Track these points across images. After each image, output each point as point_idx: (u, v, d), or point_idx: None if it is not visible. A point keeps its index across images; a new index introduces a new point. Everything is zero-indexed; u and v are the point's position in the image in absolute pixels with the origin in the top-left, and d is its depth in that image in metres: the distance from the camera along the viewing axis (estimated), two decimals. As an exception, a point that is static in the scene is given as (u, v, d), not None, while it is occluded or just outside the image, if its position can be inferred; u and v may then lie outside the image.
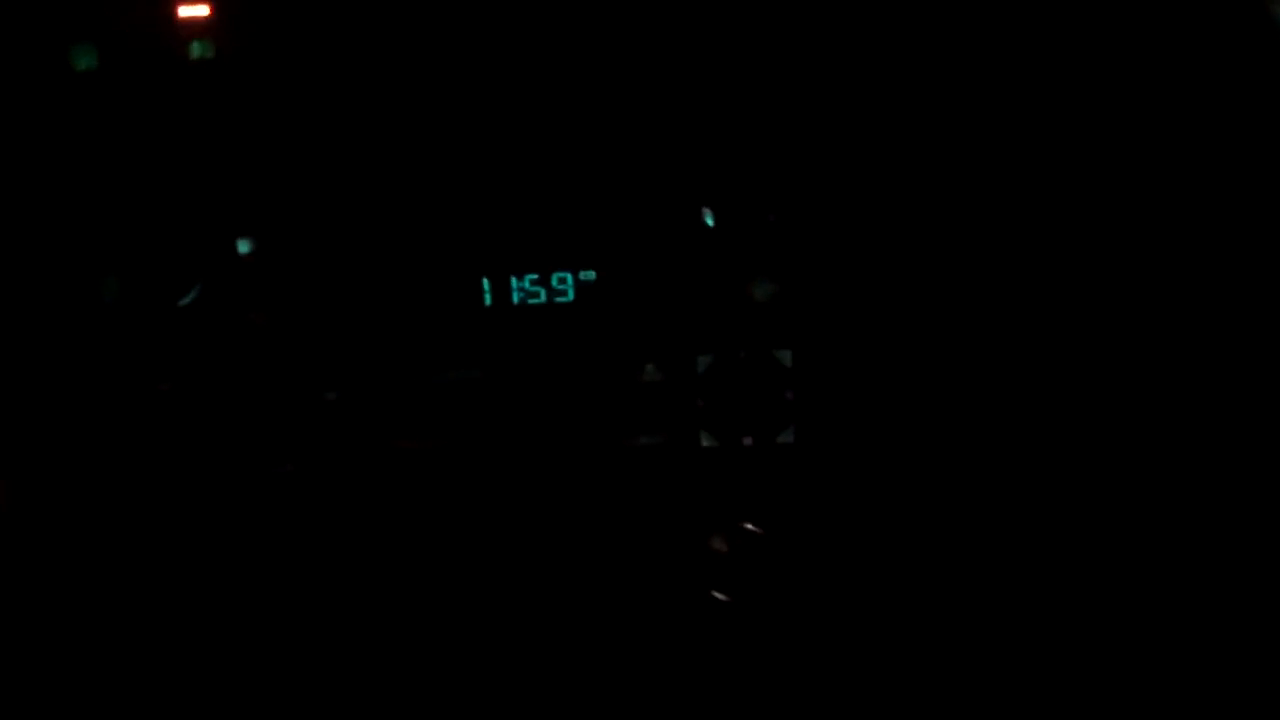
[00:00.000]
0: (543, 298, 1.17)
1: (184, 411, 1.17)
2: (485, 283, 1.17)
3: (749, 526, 1.17)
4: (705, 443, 1.17)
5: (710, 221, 1.15)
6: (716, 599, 1.17)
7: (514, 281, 1.16)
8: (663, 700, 1.17)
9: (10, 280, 1.16)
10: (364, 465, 1.18)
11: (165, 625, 1.18)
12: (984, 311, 1.15)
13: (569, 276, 1.16)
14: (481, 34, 1.13)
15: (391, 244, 1.17)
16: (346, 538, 1.19)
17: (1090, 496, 1.14)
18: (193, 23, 1.13)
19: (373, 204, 1.16)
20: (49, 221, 1.16)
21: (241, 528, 1.18)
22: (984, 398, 1.16)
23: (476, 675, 1.17)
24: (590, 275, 1.16)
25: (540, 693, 1.17)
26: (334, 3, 1.13)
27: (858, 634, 1.17)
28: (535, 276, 1.16)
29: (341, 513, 1.18)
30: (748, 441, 1.17)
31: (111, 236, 1.16)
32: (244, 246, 1.16)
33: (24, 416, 1.18)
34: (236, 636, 1.18)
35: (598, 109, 1.14)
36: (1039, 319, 1.14)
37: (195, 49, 1.13)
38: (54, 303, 1.16)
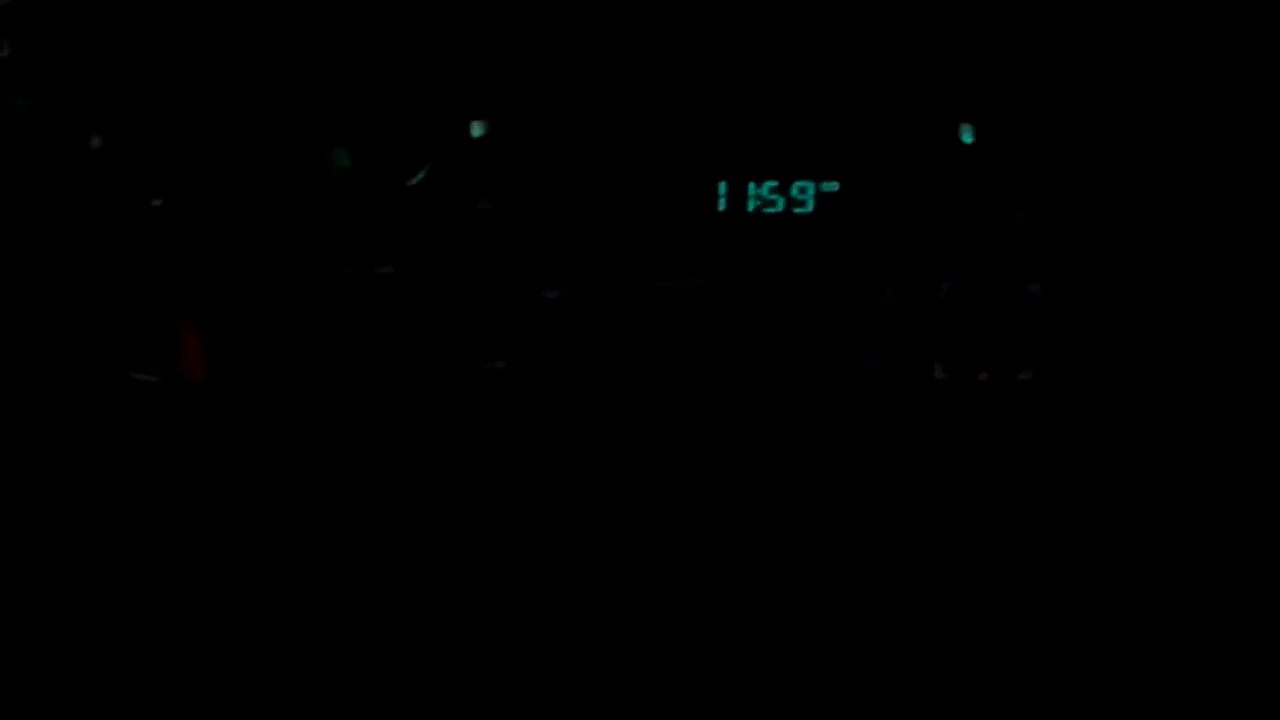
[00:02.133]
0: (780, 206, 1.11)
1: (403, 295, 1.14)
2: (721, 186, 1.11)
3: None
4: (938, 374, 1.11)
5: (968, 139, 1.09)
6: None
7: (751, 187, 1.11)
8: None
9: (238, 151, 1.14)
10: (578, 368, 1.13)
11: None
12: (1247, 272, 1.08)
13: (810, 186, 1.10)
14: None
15: (627, 140, 1.12)
16: (551, 445, 1.14)
17: None
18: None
19: (611, 96, 1.12)
20: (283, 89, 1.14)
21: (447, 423, 1.15)
22: (1227, 359, 1.08)
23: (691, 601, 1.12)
24: (833, 186, 1.10)
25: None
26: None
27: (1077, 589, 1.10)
28: (775, 184, 1.11)
29: (552, 415, 1.14)
30: (983, 376, 1.10)
31: (345, 110, 1.13)
32: (478, 130, 1.13)
33: (238, 287, 1.16)
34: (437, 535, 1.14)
35: (853, 9, 1.09)
36: None
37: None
38: (282, 174, 1.14)
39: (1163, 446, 1.10)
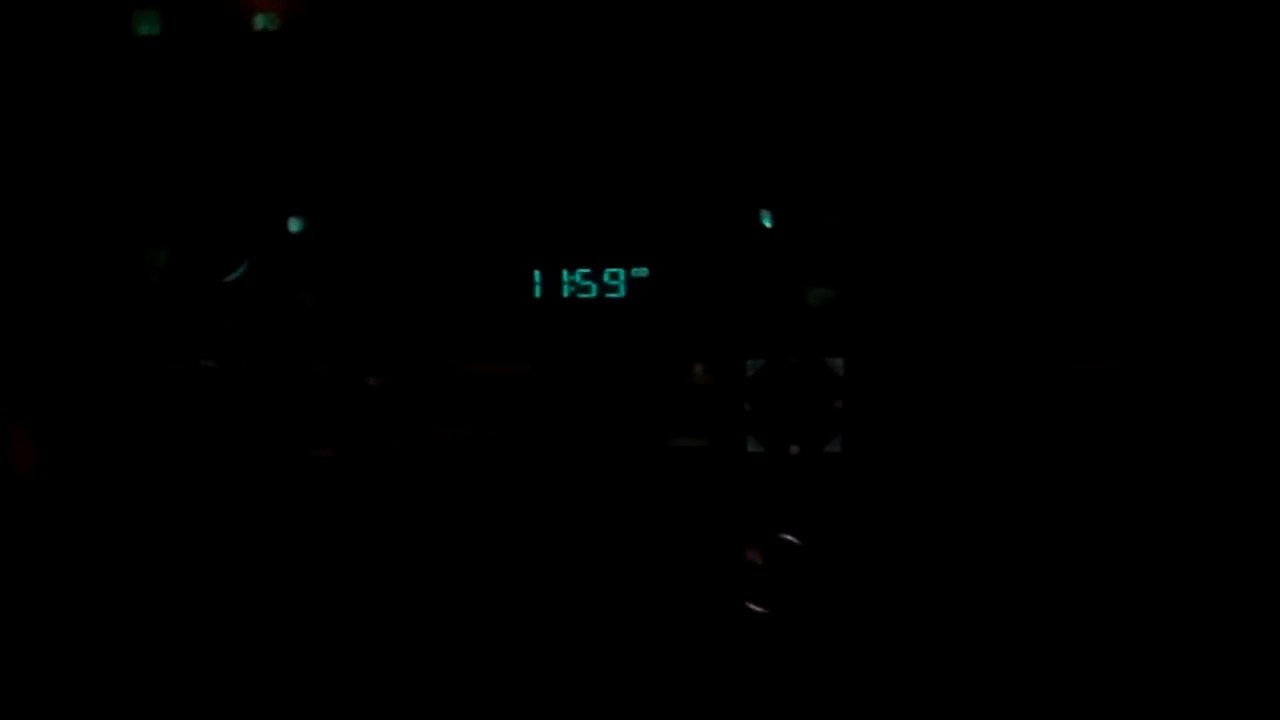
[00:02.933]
0: (594, 293, 1.15)
1: (226, 389, 1.15)
2: (536, 274, 1.15)
3: (788, 538, 1.15)
4: (751, 448, 1.15)
5: (768, 223, 1.13)
6: (751, 610, 1.15)
7: (565, 275, 1.15)
8: (688, 706, 1.14)
9: (57, 248, 1.15)
10: (404, 454, 1.16)
11: (188, 609, 1.16)
12: (1041, 325, 1.13)
13: (621, 272, 1.14)
14: (544, 23, 1.12)
15: (444, 230, 1.15)
16: (380, 527, 1.17)
17: (1149, 511, 1.11)
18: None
19: (427, 189, 1.15)
20: (101, 187, 1.15)
21: (277, 512, 1.17)
22: (1031, 414, 1.13)
23: (502, 671, 1.15)
24: (643, 272, 1.14)
25: (564, 695, 1.15)
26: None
27: (892, 651, 1.14)
28: (587, 270, 1.15)
29: (377, 502, 1.16)
30: (794, 449, 1.14)
31: (162, 208, 1.15)
32: (295, 225, 1.15)
33: (62, 383, 1.16)
34: (266, 624, 1.16)
35: (658, 105, 1.13)
36: (1096, 332, 1.12)
37: (259, 21, 1.12)
38: (101, 272, 1.15)
39: (977, 502, 1.14)
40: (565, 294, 1.15)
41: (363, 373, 1.16)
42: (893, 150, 1.13)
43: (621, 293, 1.15)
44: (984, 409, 1.14)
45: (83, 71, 1.13)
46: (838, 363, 1.14)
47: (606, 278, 1.15)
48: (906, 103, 1.12)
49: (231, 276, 1.15)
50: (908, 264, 1.13)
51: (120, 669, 1.15)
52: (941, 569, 1.14)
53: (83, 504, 1.17)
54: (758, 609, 1.14)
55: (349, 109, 1.15)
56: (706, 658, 1.15)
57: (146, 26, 1.11)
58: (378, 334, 1.16)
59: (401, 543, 1.16)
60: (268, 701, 1.14)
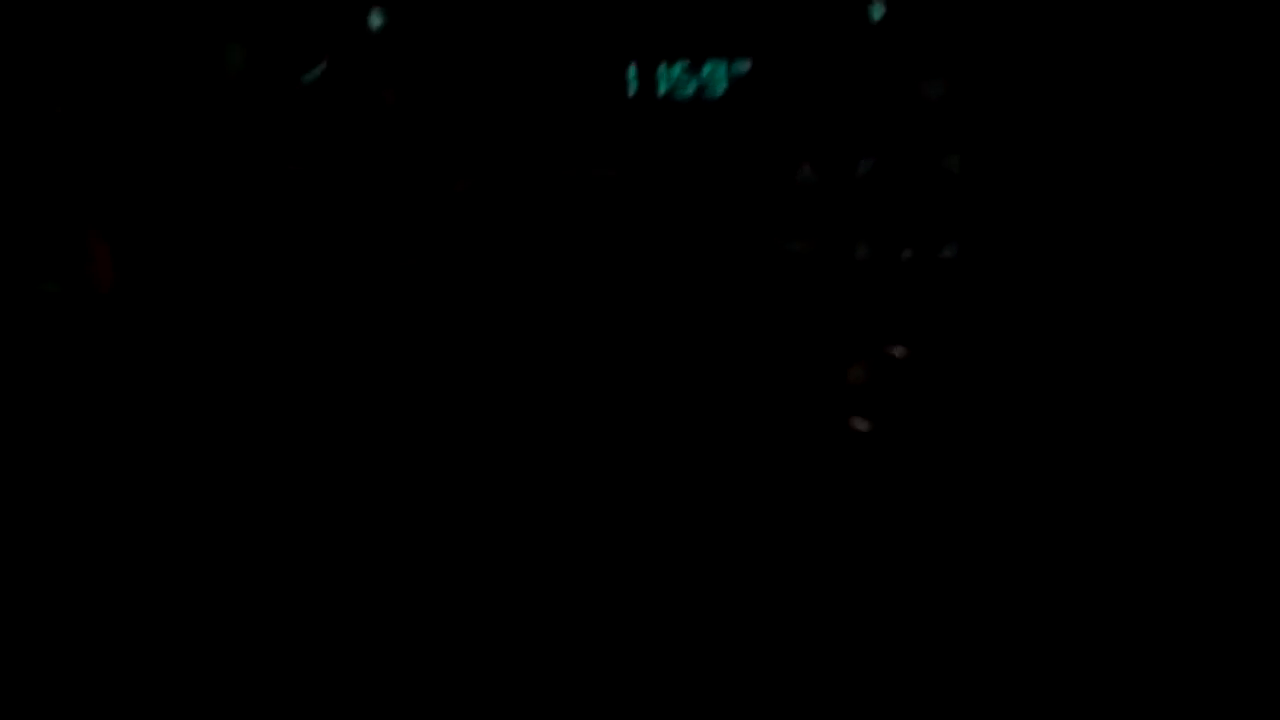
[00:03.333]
0: (692, 90, 1.08)
1: (309, 192, 1.10)
2: (632, 70, 1.08)
3: (896, 351, 1.09)
4: (861, 253, 1.09)
5: (878, 14, 1.06)
6: (856, 427, 1.09)
7: (662, 69, 1.08)
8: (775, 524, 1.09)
9: (133, 45, 1.10)
10: (488, 260, 1.11)
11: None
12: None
13: (722, 66, 1.07)
14: None
15: (533, 22, 1.08)
16: (463, 349, 1.12)
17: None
18: None
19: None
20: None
21: (362, 317, 1.12)
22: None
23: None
24: (745, 66, 1.07)
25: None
26: None
27: (999, 472, 1.08)
28: (686, 64, 1.08)
29: (459, 312, 1.11)
30: (907, 254, 1.08)
31: (240, 4, 1.09)
32: (376, 20, 1.09)
33: (139, 192, 1.12)
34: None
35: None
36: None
37: None
38: (173, 70, 1.10)
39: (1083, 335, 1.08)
40: (662, 91, 1.08)
41: (449, 176, 1.10)
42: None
43: (723, 89, 1.08)
44: (1106, 222, 1.07)
45: None
46: (954, 161, 1.07)
47: (706, 72, 1.08)
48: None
49: (310, 76, 1.09)
50: (1033, 55, 1.06)
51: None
52: (1058, 384, 1.08)
53: (163, 319, 1.13)
54: (862, 426, 1.09)
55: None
56: (807, 475, 1.09)
57: None
58: (463, 137, 1.10)
59: (488, 360, 1.11)
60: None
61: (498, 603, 1.06)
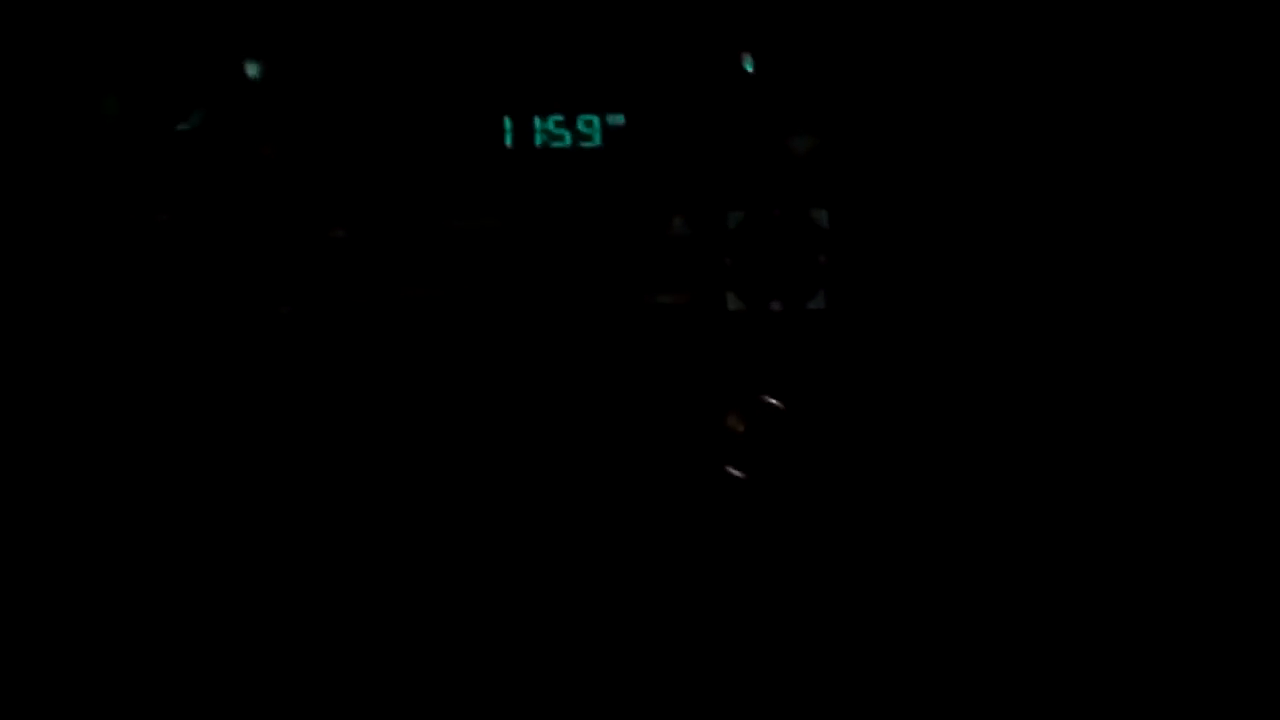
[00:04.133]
0: (567, 141, 1.10)
1: (181, 243, 1.10)
2: (507, 122, 1.09)
3: (771, 400, 1.11)
4: (731, 305, 1.10)
5: (750, 67, 1.08)
6: (731, 474, 1.11)
7: (537, 122, 1.09)
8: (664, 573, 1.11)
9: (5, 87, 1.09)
10: (367, 312, 1.11)
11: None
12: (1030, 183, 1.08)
13: (596, 119, 1.09)
14: None
15: (411, 75, 1.09)
16: (338, 386, 1.12)
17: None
18: None
19: (392, 29, 1.09)
20: (48, 28, 1.09)
21: (234, 367, 1.12)
22: (1023, 279, 1.09)
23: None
24: (619, 119, 1.09)
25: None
26: None
27: (873, 521, 1.11)
28: (560, 118, 1.09)
29: (337, 361, 1.12)
30: (776, 306, 1.10)
31: (112, 50, 1.09)
32: (252, 70, 1.09)
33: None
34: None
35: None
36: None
37: None
38: (50, 118, 1.10)
39: (961, 370, 1.11)
40: (538, 142, 1.10)
41: (326, 225, 1.11)
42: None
43: (596, 141, 1.10)
44: (974, 269, 1.10)
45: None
46: (822, 215, 1.09)
47: (581, 125, 1.09)
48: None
49: (186, 126, 1.09)
50: (897, 109, 1.08)
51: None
52: (926, 436, 1.10)
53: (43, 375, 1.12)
54: (737, 474, 1.10)
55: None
56: (686, 522, 1.11)
57: None
58: (342, 185, 1.11)
59: (368, 404, 1.12)
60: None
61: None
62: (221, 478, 1.10)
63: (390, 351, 1.11)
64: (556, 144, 1.10)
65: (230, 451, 1.10)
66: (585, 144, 1.10)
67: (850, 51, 1.08)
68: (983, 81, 1.08)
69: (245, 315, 1.11)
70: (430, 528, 1.10)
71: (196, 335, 1.11)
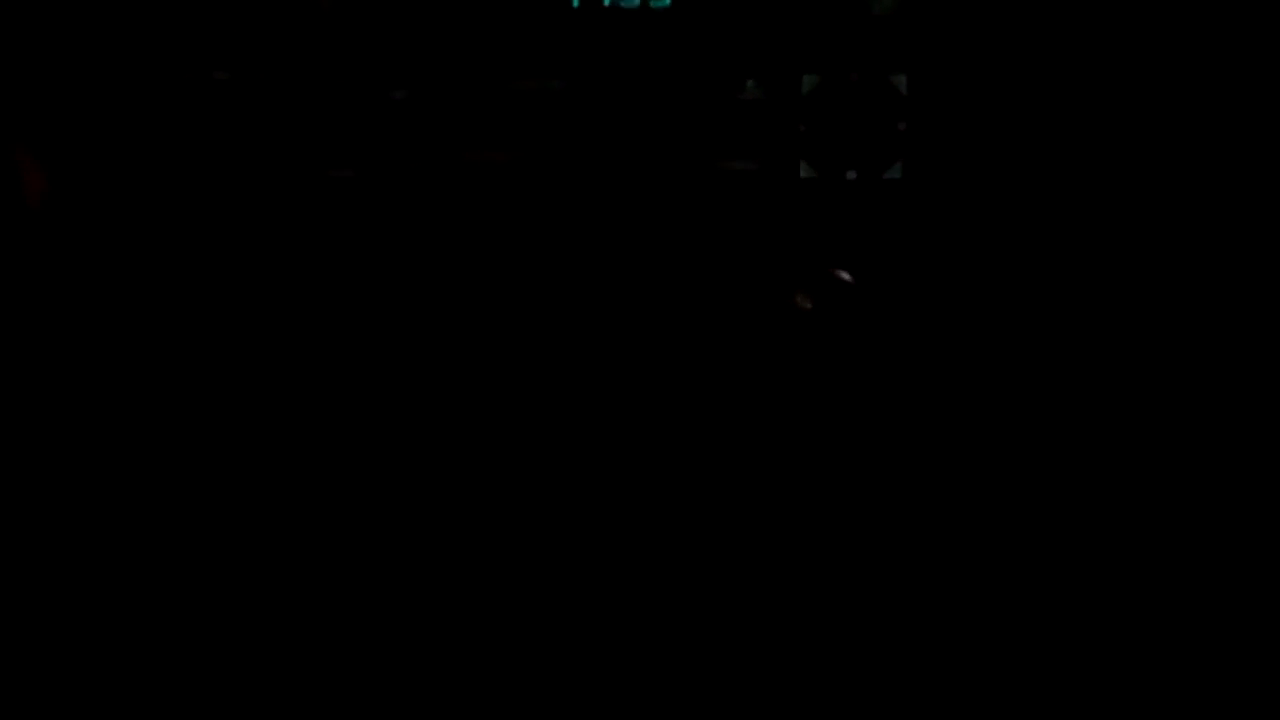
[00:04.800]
0: (636, 1, 1.05)
1: (238, 102, 1.07)
2: (575, -22, 1.05)
3: (842, 274, 1.07)
4: (804, 173, 1.06)
5: (828, -76, 1.03)
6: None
7: (607, -24, 1.05)
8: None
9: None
10: (428, 176, 1.08)
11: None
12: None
13: (668, -26, 1.05)
14: None
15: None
16: (396, 255, 1.10)
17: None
18: None
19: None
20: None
21: (292, 237, 1.09)
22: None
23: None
24: (691, -25, 1.05)
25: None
26: None
27: (933, 392, 1.07)
28: (631, -28, 1.05)
29: (397, 228, 1.09)
30: (851, 175, 1.06)
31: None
32: (311, -80, 1.05)
33: (67, 101, 1.09)
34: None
35: None
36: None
37: None
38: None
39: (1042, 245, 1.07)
40: (606, 2, 1.06)
41: (386, 85, 1.07)
42: None
43: (666, 1, 1.05)
44: (1058, 151, 1.05)
45: None
46: (901, 79, 1.05)
47: (651, -19, 1.05)
48: None
49: (244, -21, 1.06)
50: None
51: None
52: (998, 319, 1.07)
53: (97, 231, 1.10)
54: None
55: None
56: (753, 395, 1.08)
57: None
58: (401, 46, 1.07)
59: (428, 274, 1.09)
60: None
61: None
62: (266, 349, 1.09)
63: (452, 218, 1.08)
64: (625, 3, 1.05)
65: (281, 318, 1.08)
66: (655, 3, 1.05)
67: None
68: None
69: (302, 179, 1.08)
70: (497, 391, 1.08)
71: (251, 196, 1.09)
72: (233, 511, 1.08)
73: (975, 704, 1.05)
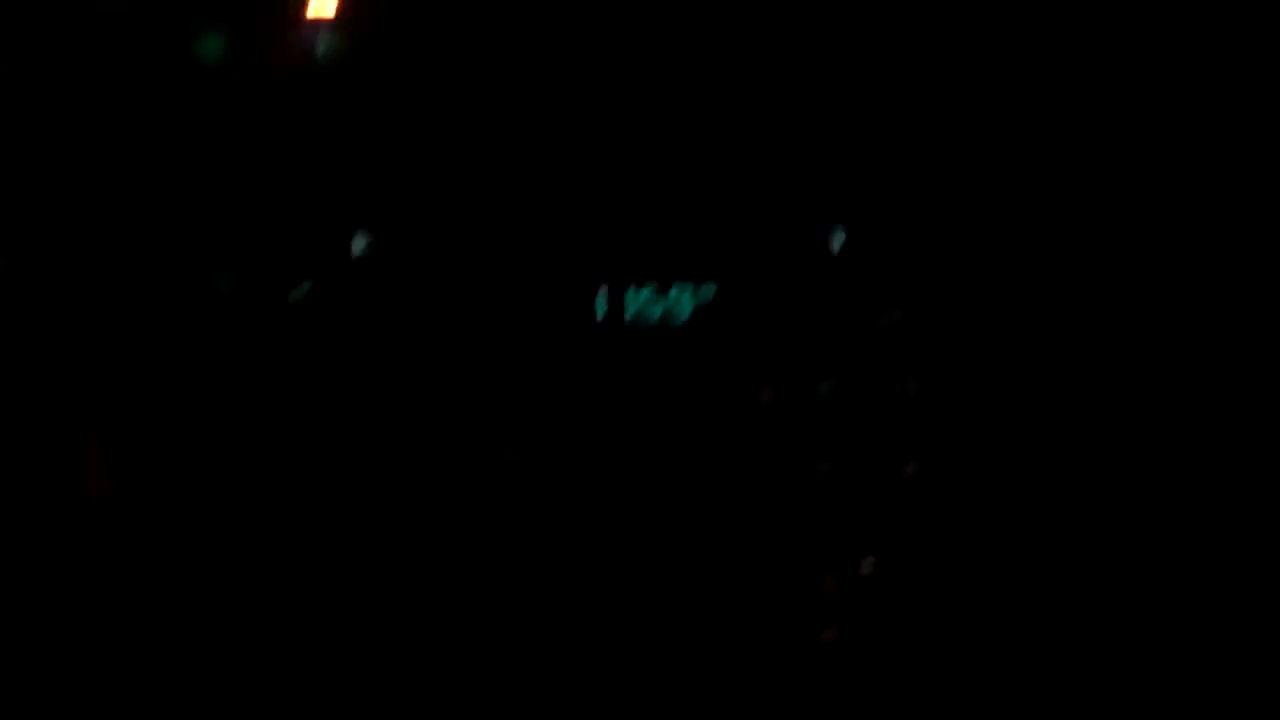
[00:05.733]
0: (658, 314, 1.13)
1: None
2: (600, 295, 1.13)
3: (863, 562, 1.12)
4: (823, 470, 1.12)
5: (838, 244, 1.11)
6: (824, 637, 1.11)
7: (630, 294, 1.13)
8: None
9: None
10: (464, 475, 1.14)
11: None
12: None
13: (688, 292, 1.12)
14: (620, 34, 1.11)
15: (508, 246, 1.14)
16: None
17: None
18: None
19: (485, 217, 1.14)
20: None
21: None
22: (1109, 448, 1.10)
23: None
24: (710, 292, 1.12)
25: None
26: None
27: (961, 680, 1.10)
28: (653, 289, 1.13)
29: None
30: (865, 472, 1.11)
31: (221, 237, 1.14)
32: (359, 244, 1.14)
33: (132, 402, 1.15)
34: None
35: (730, 112, 1.11)
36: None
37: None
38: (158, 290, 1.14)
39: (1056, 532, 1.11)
40: (629, 316, 1.13)
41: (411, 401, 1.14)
42: (969, 167, 1.10)
43: (687, 314, 1.13)
44: (1061, 433, 1.11)
45: None
46: (911, 384, 1.11)
47: (672, 297, 1.13)
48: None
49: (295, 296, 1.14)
50: (983, 282, 1.11)
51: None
52: (1019, 600, 1.10)
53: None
54: (830, 636, 1.11)
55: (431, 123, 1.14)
56: (776, 681, 1.11)
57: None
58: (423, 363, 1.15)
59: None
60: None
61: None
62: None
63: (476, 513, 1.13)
64: (648, 316, 1.13)
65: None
66: (676, 317, 1.12)
67: (938, 225, 1.11)
68: (1066, 259, 1.10)
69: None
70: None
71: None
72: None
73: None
